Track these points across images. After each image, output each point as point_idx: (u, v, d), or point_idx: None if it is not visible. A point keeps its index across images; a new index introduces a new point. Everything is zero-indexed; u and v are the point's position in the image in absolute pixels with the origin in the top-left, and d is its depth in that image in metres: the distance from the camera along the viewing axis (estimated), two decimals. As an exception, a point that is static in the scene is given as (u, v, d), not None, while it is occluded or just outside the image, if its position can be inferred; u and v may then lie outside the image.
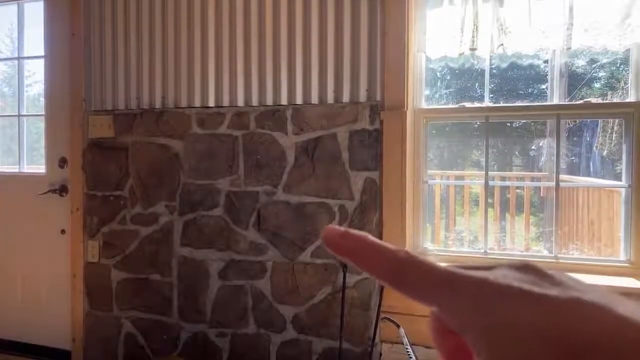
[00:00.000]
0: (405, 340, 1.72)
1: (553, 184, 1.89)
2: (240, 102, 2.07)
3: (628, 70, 1.83)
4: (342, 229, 0.22)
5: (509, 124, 4.73)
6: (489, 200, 3.77)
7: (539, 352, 0.15)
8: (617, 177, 2.02)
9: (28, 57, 2.58)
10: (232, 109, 2.06)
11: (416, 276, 0.20)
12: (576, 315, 0.16)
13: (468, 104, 1.97)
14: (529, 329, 0.16)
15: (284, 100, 2.02)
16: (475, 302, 0.18)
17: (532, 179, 4.71)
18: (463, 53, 1.87)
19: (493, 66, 2.08)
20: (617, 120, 3.78)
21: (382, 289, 1.88)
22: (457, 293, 0.19)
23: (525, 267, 0.19)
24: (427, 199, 2.02)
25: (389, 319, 1.80)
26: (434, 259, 0.21)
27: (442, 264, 0.20)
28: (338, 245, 0.22)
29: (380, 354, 1.91)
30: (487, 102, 2.03)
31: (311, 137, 1.96)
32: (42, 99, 2.48)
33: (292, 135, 1.98)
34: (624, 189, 1.80)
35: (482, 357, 0.17)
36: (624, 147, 1.82)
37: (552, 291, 0.17)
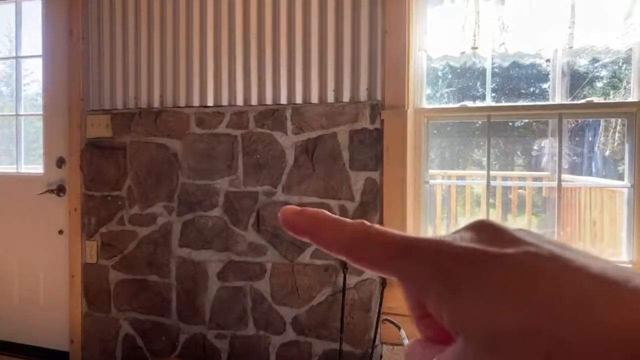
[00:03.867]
0: (406, 341, 1.70)
1: (555, 184, 1.87)
2: (240, 101, 2.06)
3: (630, 69, 1.81)
4: (298, 207, 0.22)
5: (510, 124, 4.70)
6: (491, 201, 3.74)
7: (502, 313, 0.15)
8: (620, 177, 2.01)
9: (26, 57, 2.57)
10: (231, 109, 2.05)
11: (373, 247, 0.19)
12: (532, 271, 0.15)
13: (469, 104, 1.96)
14: (490, 290, 0.15)
15: (283, 100, 2.00)
16: (434, 267, 0.17)
17: (534, 179, 4.68)
18: (464, 52, 1.86)
19: (494, 65, 2.06)
20: (619, 120, 3.76)
21: (382, 290, 1.86)
22: (416, 260, 0.18)
23: (482, 226, 0.18)
24: (428, 199, 2.00)
25: (389, 321, 1.79)
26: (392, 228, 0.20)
27: (400, 232, 0.19)
28: (294, 224, 0.21)
29: (381, 356, 1.89)
30: (488, 102, 2.01)
31: (311, 136, 1.95)
32: (40, 99, 2.47)
33: (292, 134, 1.97)
34: (626, 189, 1.78)
35: (446, 323, 0.17)
36: (626, 146, 1.80)
37: (509, 249, 0.16)
